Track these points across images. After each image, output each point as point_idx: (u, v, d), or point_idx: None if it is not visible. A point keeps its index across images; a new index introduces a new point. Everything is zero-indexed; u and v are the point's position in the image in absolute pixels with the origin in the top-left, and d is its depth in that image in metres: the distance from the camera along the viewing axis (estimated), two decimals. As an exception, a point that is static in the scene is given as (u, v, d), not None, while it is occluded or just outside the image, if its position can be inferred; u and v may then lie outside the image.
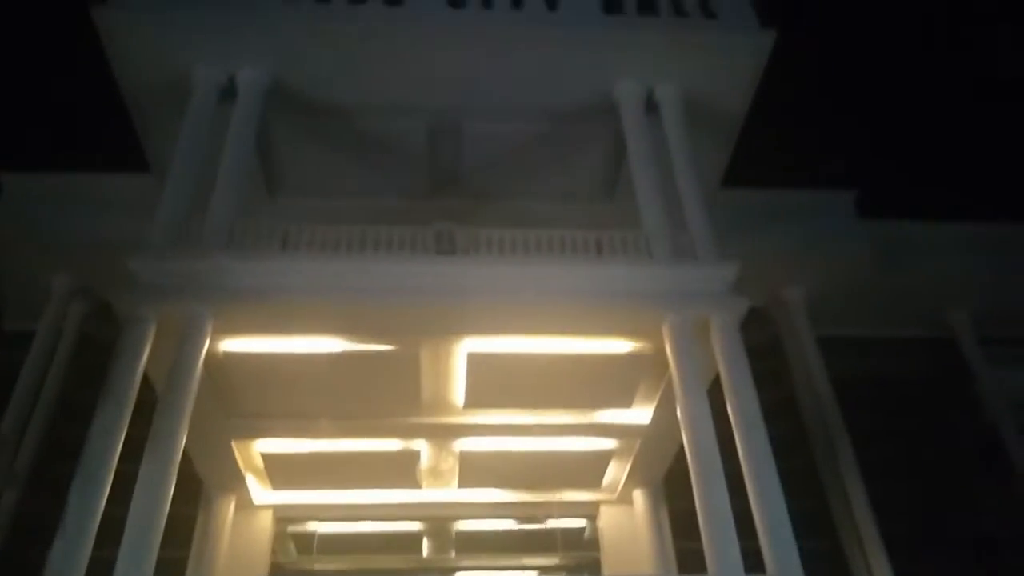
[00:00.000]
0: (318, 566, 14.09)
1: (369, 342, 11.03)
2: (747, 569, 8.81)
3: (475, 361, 11.37)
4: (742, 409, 10.05)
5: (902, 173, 23.26)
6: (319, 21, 12.74)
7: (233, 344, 10.73)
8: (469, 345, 11.18)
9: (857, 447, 14.50)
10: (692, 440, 9.86)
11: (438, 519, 14.60)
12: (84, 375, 13.83)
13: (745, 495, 9.44)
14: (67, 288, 14.73)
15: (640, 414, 12.42)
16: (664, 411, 11.77)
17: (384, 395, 11.92)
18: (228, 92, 12.57)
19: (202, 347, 9.97)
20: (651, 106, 13.25)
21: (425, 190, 14.86)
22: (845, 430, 14.59)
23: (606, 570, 13.86)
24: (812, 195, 16.73)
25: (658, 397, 11.88)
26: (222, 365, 10.88)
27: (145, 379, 9.92)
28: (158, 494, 8.90)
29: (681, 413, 10.17)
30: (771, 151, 20.37)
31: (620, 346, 11.30)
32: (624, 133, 13.05)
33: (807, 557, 9.11)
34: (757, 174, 16.60)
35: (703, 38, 13.27)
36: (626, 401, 12.22)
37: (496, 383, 11.72)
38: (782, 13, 14.26)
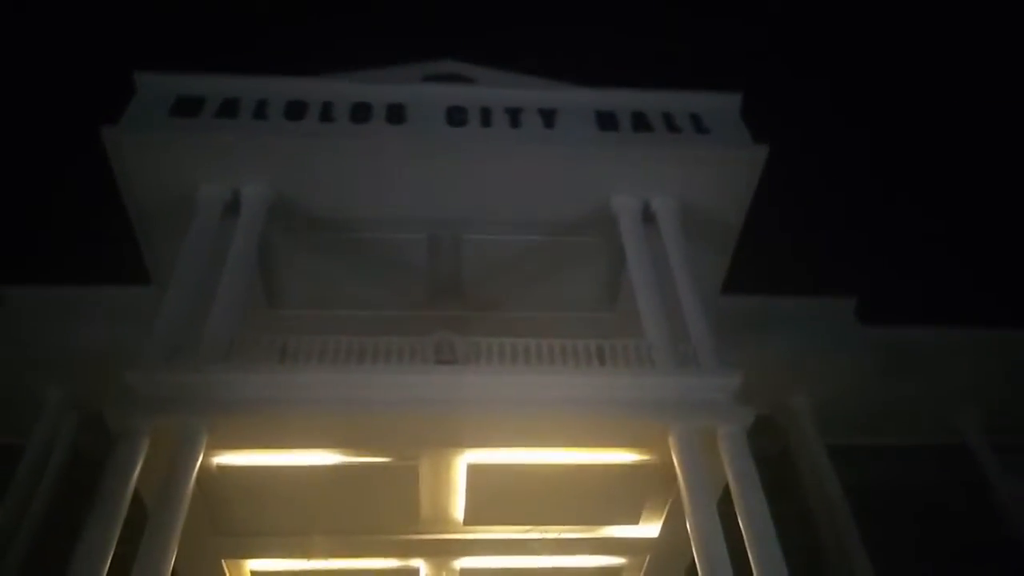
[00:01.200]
0: None
1: (367, 455, 10.79)
2: None
3: (476, 473, 11.09)
4: (753, 522, 9.71)
5: (902, 279, 23.49)
6: (322, 138, 13.18)
7: (227, 458, 10.49)
8: (469, 457, 10.94)
9: (871, 556, 13.96)
10: (703, 555, 9.47)
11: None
12: (74, 490, 13.43)
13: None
14: (60, 401, 14.54)
15: (648, 529, 12.00)
16: (673, 525, 11.38)
17: (382, 510, 11.54)
18: (232, 207, 12.83)
19: (196, 460, 9.73)
20: (649, 217, 13.50)
21: (425, 300, 14.91)
22: (858, 539, 14.08)
23: None
24: (813, 302, 16.79)
25: (666, 510, 11.51)
26: (215, 479, 10.58)
27: (136, 496, 9.63)
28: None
29: (691, 528, 9.82)
30: (770, 259, 20.64)
31: (625, 457, 11.05)
32: (623, 244, 13.28)
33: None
34: (757, 281, 16.76)
35: (697, 152, 13.68)
36: (633, 515, 11.83)
37: (497, 497, 11.37)
38: (777, 125, 14.81)
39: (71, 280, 15.75)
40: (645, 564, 12.62)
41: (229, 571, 12.13)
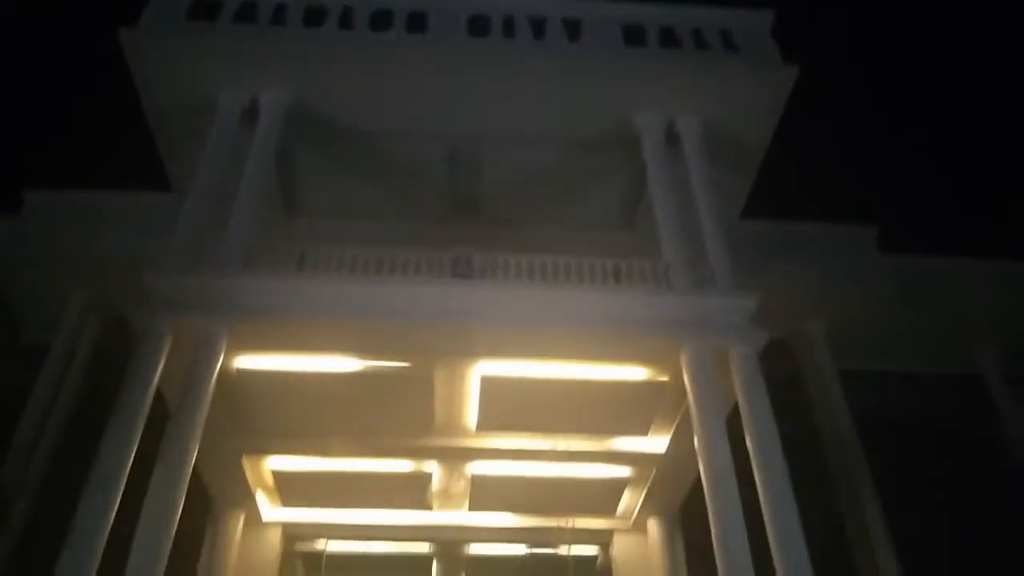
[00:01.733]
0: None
1: (383, 363, 11.00)
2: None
3: (489, 385, 11.31)
4: (761, 440, 9.91)
5: (925, 207, 23.10)
6: (341, 45, 12.97)
7: (247, 361, 10.76)
8: (483, 368, 11.14)
9: (878, 483, 14.20)
10: (709, 471, 9.72)
11: (448, 542, 14.42)
12: (98, 389, 13.85)
13: (762, 526, 9.28)
14: (84, 303, 14.85)
15: (656, 443, 12.27)
16: (681, 440, 11.62)
17: (397, 416, 11.85)
18: (250, 114, 12.74)
19: (216, 363, 10.00)
20: (672, 137, 13.28)
21: (443, 215, 14.92)
22: (866, 465, 14.31)
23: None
24: (834, 229, 16.61)
25: (675, 426, 11.74)
26: (235, 382, 10.88)
27: (158, 396, 9.96)
28: (168, 507, 8.91)
29: (699, 443, 10.04)
30: (793, 184, 20.31)
31: (637, 373, 11.21)
32: (645, 163, 13.12)
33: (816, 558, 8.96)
34: (779, 206, 16.57)
35: (725, 71, 13.35)
36: (642, 429, 12.08)
37: (510, 407, 11.63)
38: (806, 47, 14.34)
39: (93, 185, 15.86)
40: (651, 477, 12.95)
41: (249, 467, 12.58)
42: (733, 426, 10.22)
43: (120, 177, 16.47)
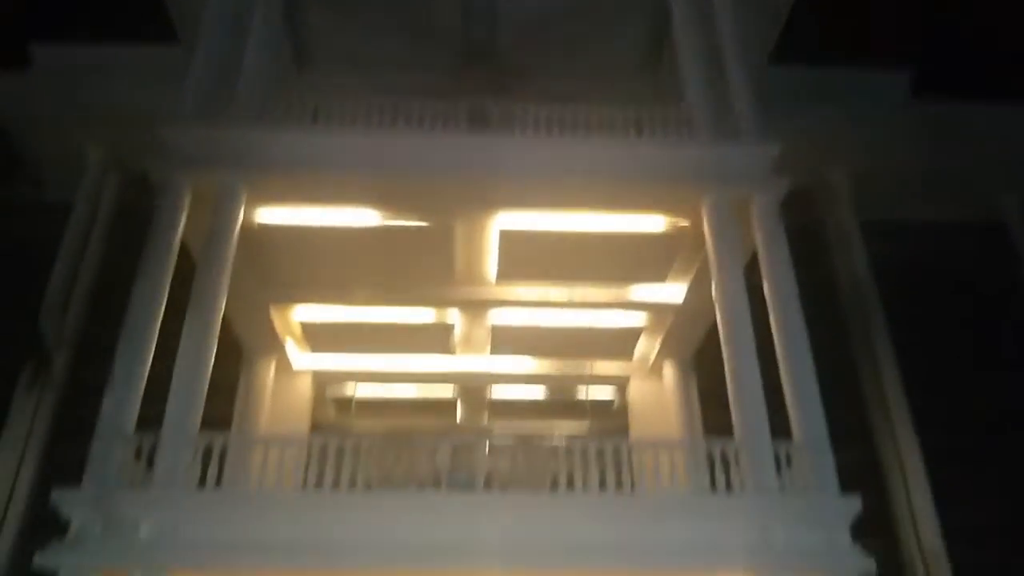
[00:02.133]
0: (357, 427, 14.69)
1: (403, 216, 11.06)
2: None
3: (508, 236, 11.38)
4: (778, 288, 10.00)
5: (963, 51, 21.94)
6: None
7: (268, 215, 10.84)
8: (502, 221, 11.16)
9: (894, 332, 14.43)
10: (726, 315, 9.90)
11: (471, 386, 15.06)
12: (125, 244, 14.09)
13: (776, 373, 9.58)
14: (102, 159, 14.87)
15: (674, 291, 12.45)
16: (698, 288, 11.78)
17: (418, 267, 12.06)
18: (258, -46, 12.16)
19: (237, 215, 10.08)
20: (699, -24, 12.56)
21: (459, 65, 14.43)
22: (881, 314, 14.49)
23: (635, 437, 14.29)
24: (865, 74, 15.91)
25: (693, 274, 11.85)
26: (258, 236, 11.01)
27: (184, 253, 10.15)
28: (201, 354, 9.28)
29: (716, 290, 10.16)
30: (824, 27, 19.21)
31: (656, 223, 11.19)
32: (669, 3, 12.48)
33: (834, 430, 9.32)
34: (808, 51, 15.82)
35: None
36: (660, 278, 12.23)
37: (529, 258, 11.75)
38: None
39: (100, 38, 15.41)
40: (668, 324, 13.23)
41: (277, 317, 13.00)
42: (751, 275, 10.29)
43: (122, 30, 15.92)
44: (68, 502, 8.26)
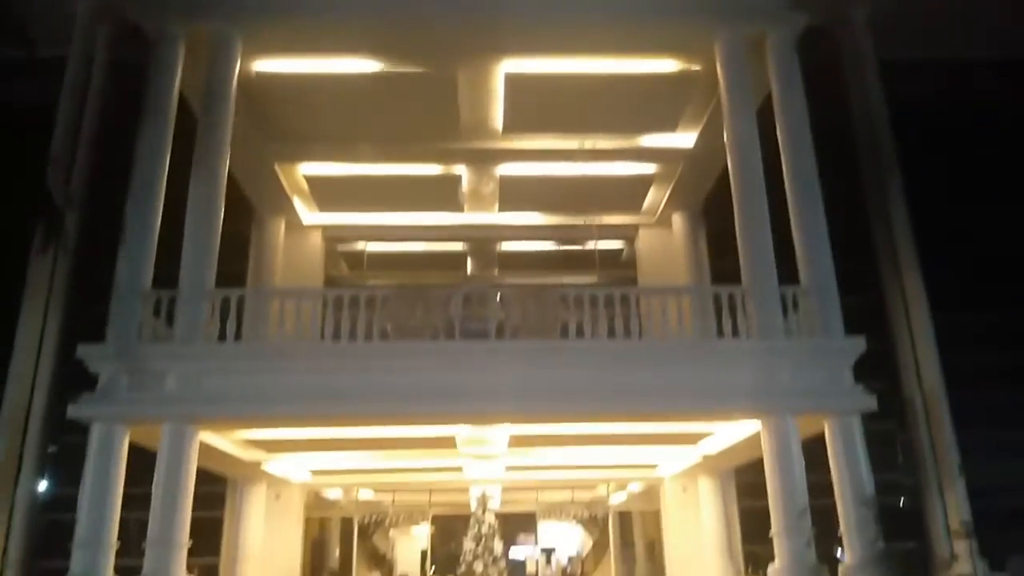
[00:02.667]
0: (369, 281, 14.90)
1: (405, 63, 10.63)
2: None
3: (515, 83, 10.96)
4: (792, 130, 9.74)
5: None
6: None
7: (265, 65, 10.44)
8: (508, 66, 10.71)
9: (909, 177, 14.16)
10: (737, 160, 9.72)
11: (481, 240, 15.12)
12: (123, 99, 13.71)
13: (786, 219, 9.53)
14: (91, 7, 14.19)
15: (684, 138, 12.16)
16: (709, 134, 11.50)
17: (423, 119, 11.73)
18: None
19: (234, 65, 9.74)
20: None
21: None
22: (896, 158, 14.18)
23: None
24: None
25: (704, 120, 11.53)
26: (257, 87, 10.67)
27: (186, 109, 9.90)
28: (210, 208, 9.28)
29: (728, 133, 9.92)
30: None
31: (667, 65, 10.73)
32: None
33: (842, 275, 9.37)
34: None
35: None
36: (670, 124, 11.90)
37: (536, 106, 11.40)
38: None
39: None
40: (677, 172, 13.04)
41: (283, 173, 12.87)
42: (763, 121, 10.01)
43: None
44: (94, 357, 8.53)
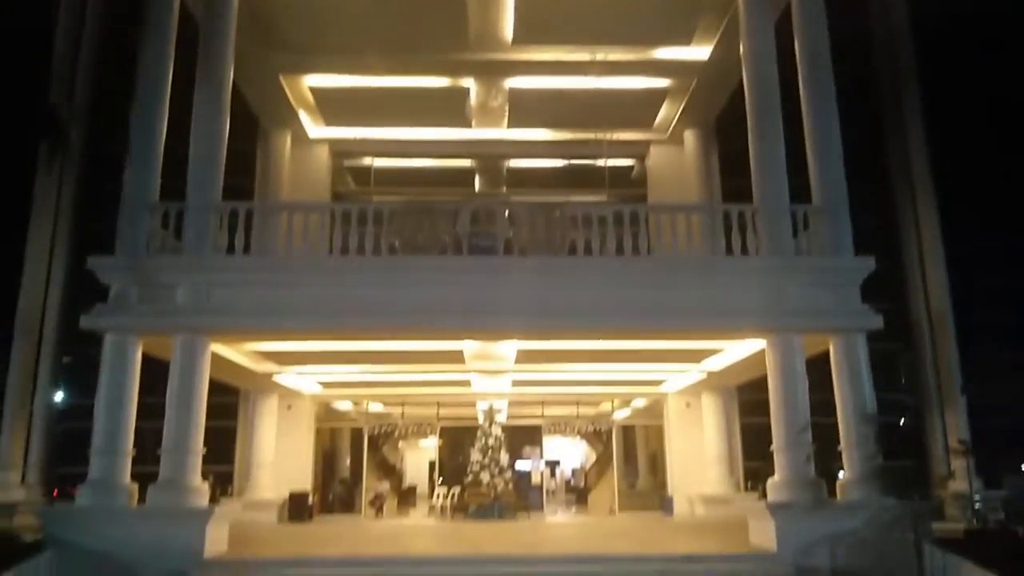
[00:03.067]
0: (376, 198, 14.81)
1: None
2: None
3: (525, -11, 10.62)
4: (810, 43, 9.47)
5: None
6: None
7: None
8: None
9: (926, 94, 13.83)
10: (752, 73, 9.48)
11: (489, 156, 14.90)
12: (123, 12, 13.43)
13: (801, 138, 9.37)
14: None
15: (699, 51, 11.78)
16: (724, 47, 11.15)
17: (431, 28, 11.36)
18: None
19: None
20: None
21: None
22: (914, 71, 13.82)
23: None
24: None
25: (720, 32, 11.15)
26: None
27: (187, 19, 9.66)
28: (215, 120, 9.15)
29: (744, 46, 9.64)
30: None
31: (686, -28, 10.39)
32: None
33: (854, 195, 9.25)
34: None
35: None
36: (685, 37, 11.52)
37: (547, 16, 11.00)
38: None
39: None
40: (691, 87, 12.72)
41: (288, 85, 12.60)
42: (779, 37, 9.72)
43: None
44: (104, 268, 8.59)
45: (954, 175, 13.91)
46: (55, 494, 13.07)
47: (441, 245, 8.96)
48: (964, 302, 14.38)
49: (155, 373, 8.94)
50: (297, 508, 12.91)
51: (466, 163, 15.14)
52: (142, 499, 8.31)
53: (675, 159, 14.36)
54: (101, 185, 12.95)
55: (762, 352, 9.16)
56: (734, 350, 10.38)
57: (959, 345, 14.15)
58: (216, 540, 8.26)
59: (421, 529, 11.34)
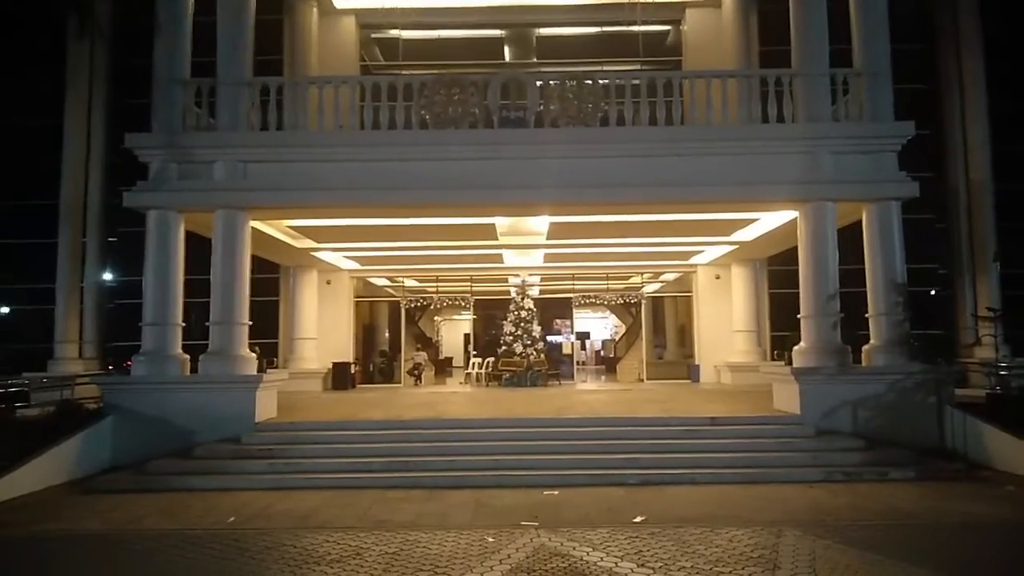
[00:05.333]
0: (405, 72, 14.55)
1: None
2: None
3: None
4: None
5: None
6: None
7: None
8: None
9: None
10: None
11: (519, 25, 14.46)
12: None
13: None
14: None
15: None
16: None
17: None
18: None
19: None
20: None
21: None
22: None
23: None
24: None
25: None
26: None
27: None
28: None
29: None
30: None
31: None
32: None
33: (898, 60, 8.92)
34: None
35: None
36: None
37: None
38: None
39: None
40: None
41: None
42: None
43: None
44: (142, 145, 8.73)
45: (1006, 30, 13.20)
46: (110, 368, 13.76)
47: (472, 118, 8.90)
48: (1006, 171, 14.01)
49: (200, 252, 9.24)
50: (340, 377, 13.52)
51: (495, 33, 14.68)
52: (194, 369, 8.79)
53: (712, 23, 13.79)
54: (132, 60, 12.89)
55: (794, 223, 9.13)
56: (766, 220, 10.32)
57: (995, 215, 13.93)
58: (266, 406, 8.78)
59: (457, 396, 11.81)
